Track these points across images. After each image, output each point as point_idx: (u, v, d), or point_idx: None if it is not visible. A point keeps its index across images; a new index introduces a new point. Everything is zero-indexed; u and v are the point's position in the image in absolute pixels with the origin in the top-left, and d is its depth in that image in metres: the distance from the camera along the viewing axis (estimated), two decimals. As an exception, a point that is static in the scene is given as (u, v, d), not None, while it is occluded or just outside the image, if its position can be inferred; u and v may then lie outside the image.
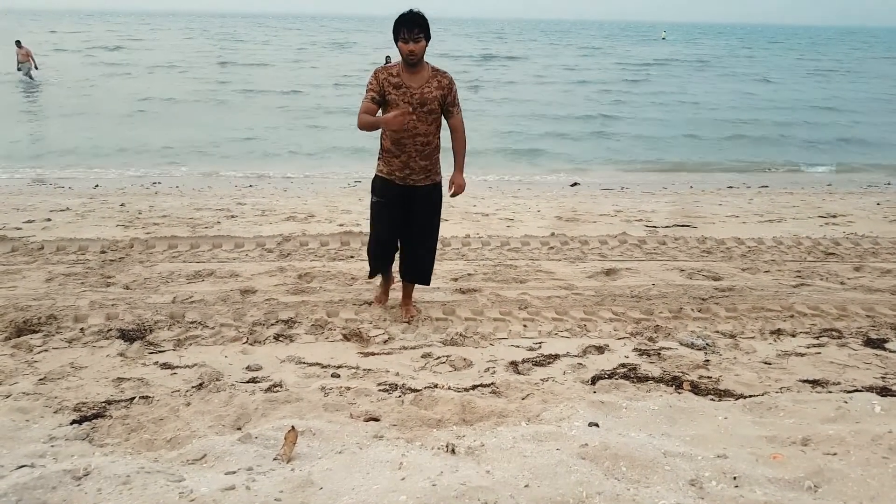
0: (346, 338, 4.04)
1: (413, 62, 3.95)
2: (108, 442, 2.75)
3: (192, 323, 4.19)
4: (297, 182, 10.28)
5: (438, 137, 4.15)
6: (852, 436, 2.48)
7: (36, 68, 22.56)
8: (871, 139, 15.68)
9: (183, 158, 12.15)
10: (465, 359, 3.79)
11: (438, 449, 2.36)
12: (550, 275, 5.33)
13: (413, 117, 3.94)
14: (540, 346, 4.00)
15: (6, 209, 7.34)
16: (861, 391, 3.26)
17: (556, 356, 3.84)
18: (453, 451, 2.32)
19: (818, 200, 8.93)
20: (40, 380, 3.40)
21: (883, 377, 3.58)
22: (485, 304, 4.63)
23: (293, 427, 2.46)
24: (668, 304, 4.70)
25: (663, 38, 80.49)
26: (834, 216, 7.85)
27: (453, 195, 4.24)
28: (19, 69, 22.41)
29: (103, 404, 3.13)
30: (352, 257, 5.70)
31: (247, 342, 3.97)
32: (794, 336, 4.21)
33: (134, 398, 3.19)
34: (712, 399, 3.21)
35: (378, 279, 4.65)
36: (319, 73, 29.13)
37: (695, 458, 2.31)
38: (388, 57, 16.95)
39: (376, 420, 2.89)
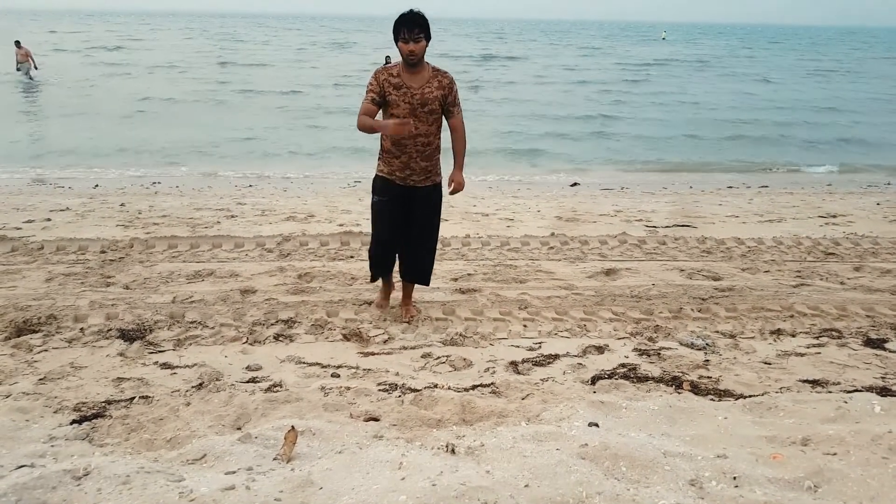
0: (346, 338, 4.04)
1: (413, 62, 3.94)
2: (108, 442, 2.75)
3: (192, 323, 4.19)
4: (297, 182, 10.28)
5: (439, 138, 4.14)
6: (852, 436, 2.48)
7: (35, 68, 22.57)
8: (871, 139, 15.68)
9: (183, 158, 12.14)
10: (465, 359, 3.79)
11: (438, 449, 2.36)
12: (550, 275, 5.33)
13: (413, 129, 3.93)
14: (540, 346, 4.00)
15: (6, 209, 7.34)
16: (861, 391, 3.26)
17: (556, 356, 3.84)
18: (453, 451, 2.32)
19: (818, 200, 8.94)
20: (40, 380, 3.40)
21: (883, 377, 3.58)
22: (485, 304, 4.63)
23: (293, 427, 2.46)
24: (668, 304, 4.70)
25: (663, 39, 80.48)
26: (834, 216, 7.85)
27: (452, 192, 4.21)
28: (18, 69, 22.42)
29: (103, 404, 3.13)
30: (352, 257, 5.70)
31: (247, 342, 3.97)
32: (793, 336, 4.21)
33: (134, 398, 3.19)
34: (712, 399, 3.20)
35: (378, 281, 4.64)
36: (319, 73, 29.13)
37: (695, 458, 2.31)
38: (387, 57, 16.94)
39: (376, 420, 2.89)
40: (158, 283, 4.92)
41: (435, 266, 4.50)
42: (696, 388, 3.39)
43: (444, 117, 4.13)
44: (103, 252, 5.61)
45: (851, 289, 5.13)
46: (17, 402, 3.09)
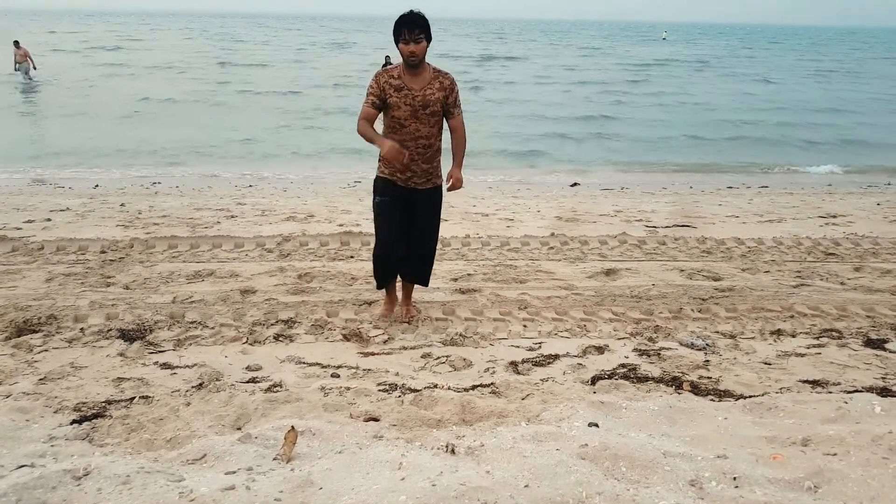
0: (345, 338, 4.04)
1: (414, 63, 3.93)
2: (108, 442, 2.75)
3: (192, 323, 4.19)
4: (297, 182, 10.29)
5: (440, 140, 4.13)
6: (852, 436, 2.48)
7: (35, 68, 22.57)
8: (871, 140, 15.69)
9: (182, 159, 12.15)
10: (464, 359, 3.79)
11: (438, 449, 2.36)
12: (550, 275, 5.33)
13: (408, 161, 3.96)
14: (540, 347, 4.00)
15: (6, 209, 7.35)
16: (861, 391, 3.26)
17: (556, 356, 3.84)
18: (453, 452, 2.32)
19: (818, 201, 8.94)
20: (40, 380, 3.40)
21: (883, 377, 3.58)
22: (485, 305, 4.63)
23: (293, 427, 2.46)
24: (668, 304, 4.70)
25: (664, 39, 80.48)
26: (834, 216, 7.85)
27: (450, 189, 4.17)
28: (17, 69, 22.42)
29: (103, 404, 3.13)
30: (352, 257, 5.70)
31: (247, 342, 3.97)
32: (794, 336, 4.21)
33: (134, 398, 3.19)
34: (712, 399, 3.20)
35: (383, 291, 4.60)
36: (319, 73, 29.14)
37: (695, 458, 2.31)
38: (387, 57, 16.92)
39: (376, 420, 2.89)
40: (158, 284, 4.92)
41: (435, 266, 4.50)
42: (696, 389, 3.39)
43: (444, 118, 4.13)
44: (103, 252, 5.61)
45: (852, 289, 5.13)
46: (17, 402, 3.09)
